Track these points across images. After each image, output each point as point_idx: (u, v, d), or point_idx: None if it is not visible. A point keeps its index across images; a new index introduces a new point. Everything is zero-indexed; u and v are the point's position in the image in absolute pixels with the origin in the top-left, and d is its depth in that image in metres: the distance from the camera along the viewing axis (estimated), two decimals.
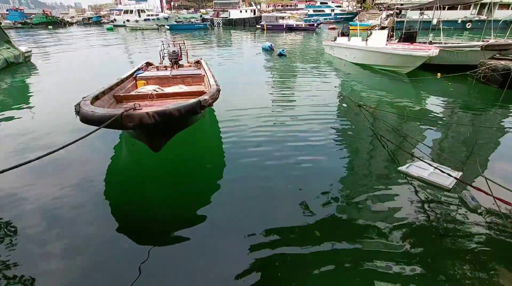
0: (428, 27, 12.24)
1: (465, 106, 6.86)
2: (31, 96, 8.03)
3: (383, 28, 13.30)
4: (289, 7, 70.91)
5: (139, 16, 47.02)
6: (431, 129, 5.36)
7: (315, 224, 2.92)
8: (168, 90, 5.35)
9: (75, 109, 3.29)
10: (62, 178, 3.73)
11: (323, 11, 54.19)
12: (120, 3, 55.96)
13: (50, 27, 45.62)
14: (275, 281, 2.35)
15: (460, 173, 3.61)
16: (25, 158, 1.98)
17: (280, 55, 14.50)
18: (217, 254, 2.62)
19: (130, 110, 2.87)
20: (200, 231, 2.86)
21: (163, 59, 8.48)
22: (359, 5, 60.89)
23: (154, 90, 5.03)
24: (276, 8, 68.91)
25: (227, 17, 46.42)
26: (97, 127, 2.74)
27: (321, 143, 4.74)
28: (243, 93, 7.95)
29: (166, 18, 46.44)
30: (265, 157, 4.24)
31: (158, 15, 49.03)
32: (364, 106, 6.35)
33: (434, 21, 11.50)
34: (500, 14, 25.47)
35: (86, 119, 2.99)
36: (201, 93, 4.55)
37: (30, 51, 13.76)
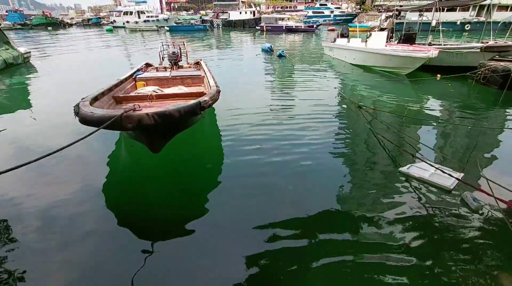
0: (427, 29, 12.26)
1: (465, 107, 6.86)
2: (30, 97, 8.00)
3: (382, 29, 13.33)
4: (288, 9, 71.12)
5: (139, 17, 47.03)
6: (432, 130, 5.35)
7: (316, 225, 2.91)
8: (168, 91, 5.33)
9: (74, 110, 3.27)
10: (61, 179, 3.71)
11: (323, 12, 54.34)
12: (120, 5, 55.95)
13: (49, 28, 45.60)
14: (276, 280, 2.33)
15: (461, 174, 3.60)
16: (25, 159, 1.97)
17: (280, 56, 14.51)
18: (217, 253, 2.61)
19: (130, 111, 2.86)
20: (200, 230, 2.84)
21: (163, 60, 8.47)
22: (358, 6, 61.08)
23: (153, 91, 5.02)
24: (276, 9, 69.08)
25: (226, 19, 46.48)
26: (97, 128, 2.72)
27: (321, 144, 4.72)
28: (242, 94, 7.94)
29: (166, 20, 46.46)
30: (265, 157, 4.23)
31: (157, 16, 49.04)
32: (364, 107, 6.35)
33: (433, 23, 11.53)
34: (498, 16, 25.56)
35: (85, 120, 2.97)
36: (201, 94, 4.54)
37: (29, 52, 13.75)
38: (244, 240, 2.72)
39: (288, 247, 2.63)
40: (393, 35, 12.64)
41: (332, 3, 59.36)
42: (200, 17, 51.86)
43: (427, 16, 14.11)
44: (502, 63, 8.06)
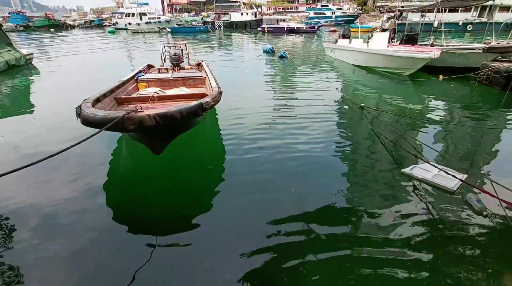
0: (429, 29, 12.24)
1: (468, 108, 6.82)
2: (32, 98, 8.03)
3: (384, 30, 13.30)
4: (290, 10, 71.21)
5: (141, 19, 47.22)
6: (434, 130, 5.32)
7: (318, 226, 2.89)
8: (170, 92, 5.34)
9: (76, 111, 3.27)
10: (63, 180, 3.71)
11: (324, 13, 54.37)
12: (122, 7, 56.23)
13: (52, 30, 45.85)
14: (278, 280, 2.32)
15: (465, 175, 3.57)
16: (27, 161, 1.97)
17: (281, 57, 14.51)
18: (218, 253, 2.60)
19: (132, 113, 2.85)
20: (202, 231, 2.84)
21: (165, 61, 8.49)
22: (360, 7, 61.08)
23: (155, 92, 5.03)
24: (277, 10, 69.24)
25: (228, 20, 46.59)
26: (99, 130, 2.72)
27: (324, 145, 4.70)
28: (244, 95, 7.94)
29: (168, 21, 46.61)
30: (267, 158, 4.22)
31: (159, 18, 49.20)
32: (366, 108, 6.32)
33: (435, 23, 11.50)
34: (500, 17, 25.52)
35: (87, 121, 2.97)
36: (203, 95, 4.54)
37: (32, 53, 13.82)
38: (246, 240, 2.71)
39: (290, 248, 2.62)
40: (395, 35, 12.61)
41: (333, 4, 59.39)
42: (202, 19, 51.99)
43: (429, 17, 14.09)
44: (504, 64, 8.01)
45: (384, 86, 8.99)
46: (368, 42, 11.64)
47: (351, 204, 3.26)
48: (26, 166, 1.92)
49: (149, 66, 7.97)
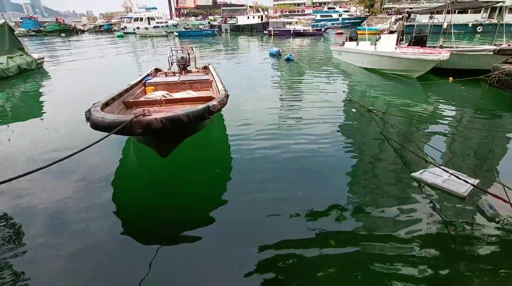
0: (438, 31, 12.09)
1: (479, 111, 6.69)
2: (43, 102, 8.19)
3: (392, 32, 13.17)
4: (296, 13, 71.30)
5: (149, 23, 47.96)
6: (444, 134, 5.23)
7: (325, 230, 2.85)
8: (177, 95, 5.37)
9: (85, 115, 3.31)
10: (71, 183, 3.76)
11: (331, 16, 54.30)
12: (131, 11, 57.21)
13: (62, 34, 46.90)
14: (286, 282, 2.29)
15: (477, 180, 3.48)
16: (37, 164, 2.00)
17: (288, 60, 14.51)
18: (224, 257, 2.59)
19: (140, 116, 2.88)
20: (208, 235, 2.83)
21: (172, 65, 8.57)
22: (367, 9, 60.82)
23: (162, 95, 5.06)
24: (284, 14, 69.43)
25: (234, 23, 46.96)
26: (107, 134, 2.75)
27: (331, 148, 4.66)
28: (251, 98, 7.95)
29: (175, 25, 47.24)
30: (273, 161, 4.20)
31: (167, 22, 49.91)
32: (374, 111, 6.26)
33: (445, 25, 11.35)
34: (510, 18, 25.04)
35: (96, 125, 3.00)
36: (210, 98, 4.55)
37: (43, 58, 14.11)
38: (252, 246, 2.68)
39: (297, 253, 2.59)
40: (403, 37, 12.49)
41: (340, 7, 59.28)
42: (209, 22, 52.58)
43: (438, 18, 13.91)
44: None
45: (392, 89, 8.89)
46: (375, 44, 11.56)
47: (359, 207, 3.21)
48: (36, 170, 1.96)
49: (157, 70, 8.05)
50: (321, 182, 3.76)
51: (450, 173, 3.53)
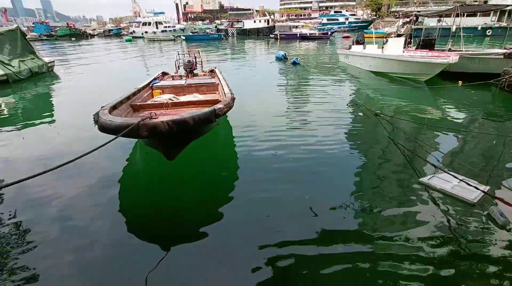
0: (447, 34, 11.94)
1: (489, 116, 6.56)
2: (53, 105, 8.35)
3: (399, 35, 13.09)
4: (302, 17, 71.51)
5: (157, 27, 48.66)
6: (454, 139, 5.14)
7: (332, 234, 2.82)
8: (183, 99, 5.41)
9: (93, 118, 3.36)
10: (80, 184, 3.81)
11: (337, 19, 54.30)
12: (140, 16, 58.18)
13: (73, 39, 47.88)
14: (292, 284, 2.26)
15: (487, 187, 3.40)
16: (47, 166, 2.04)
17: (294, 63, 14.51)
18: (230, 259, 2.58)
19: (146, 119, 2.90)
20: (214, 236, 2.83)
21: (179, 68, 8.66)
22: (374, 13, 60.61)
23: (169, 99, 5.11)
24: (290, 17, 69.68)
25: (241, 27, 47.28)
26: (115, 136, 2.78)
27: (338, 151, 4.62)
28: (257, 101, 7.96)
29: (182, 29, 47.81)
30: (280, 164, 4.18)
31: (174, 26, 50.55)
32: (382, 115, 6.19)
33: (453, 28, 11.21)
34: None
35: (104, 128, 3.04)
36: (216, 101, 4.57)
37: (53, 61, 14.42)
38: (258, 249, 2.67)
39: (303, 255, 2.57)
40: (411, 41, 12.39)
41: (347, 10, 59.25)
42: (215, 27, 53.05)
43: (446, 22, 13.77)
44: None
45: (400, 93, 8.80)
46: (382, 47, 11.48)
47: (366, 212, 3.17)
48: (46, 172, 2.00)
49: (164, 74, 8.14)
50: (328, 186, 3.72)
51: (459, 179, 3.46)
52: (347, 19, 53.98)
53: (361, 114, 6.63)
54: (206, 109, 3.32)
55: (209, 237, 2.83)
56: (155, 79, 7.03)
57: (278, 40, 35.73)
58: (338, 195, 3.51)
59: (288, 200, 3.41)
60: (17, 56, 12.00)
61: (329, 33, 36.71)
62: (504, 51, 8.75)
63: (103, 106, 3.79)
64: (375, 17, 55.69)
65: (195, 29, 50.60)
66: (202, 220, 3.12)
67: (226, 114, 4.18)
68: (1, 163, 4.53)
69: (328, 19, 55.04)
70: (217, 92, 6.43)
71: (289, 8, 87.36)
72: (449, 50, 10.86)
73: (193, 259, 2.60)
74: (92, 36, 56.47)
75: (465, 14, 12.02)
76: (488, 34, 31.07)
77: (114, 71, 14.97)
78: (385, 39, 11.78)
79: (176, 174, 4.07)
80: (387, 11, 56.60)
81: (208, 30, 48.06)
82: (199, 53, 9.06)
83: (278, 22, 51.12)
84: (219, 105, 3.62)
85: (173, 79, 7.75)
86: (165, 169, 4.11)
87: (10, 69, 11.08)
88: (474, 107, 7.13)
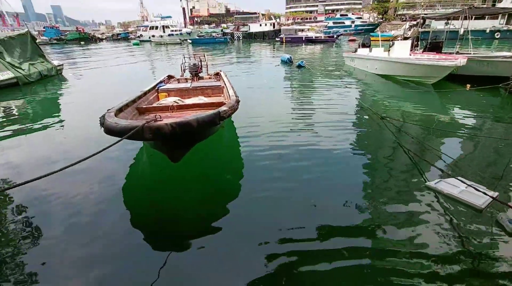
0: (455, 37, 11.81)
1: (498, 120, 6.44)
2: (61, 107, 8.49)
3: (406, 38, 12.99)
4: (308, 20, 71.57)
5: (164, 31, 49.30)
6: (461, 143, 5.05)
7: (337, 238, 2.78)
8: (189, 101, 5.45)
9: (100, 121, 3.40)
10: (85, 185, 3.84)
11: (343, 23, 54.26)
12: (147, 20, 59.02)
13: (82, 42, 48.77)
14: None
15: (496, 193, 3.32)
16: (55, 167, 2.07)
17: (299, 66, 14.51)
18: (233, 264, 2.57)
19: (151, 122, 2.92)
20: (218, 239, 2.83)
21: (184, 72, 8.74)
22: (380, 16, 60.38)
23: (175, 101, 5.14)
24: (296, 21, 69.82)
25: (247, 31, 47.57)
26: (120, 138, 2.80)
27: (343, 154, 4.59)
28: (262, 104, 7.97)
29: (189, 33, 48.35)
30: (284, 167, 4.16)
31: (181, 30, 51.16)
32: (388, 118, 6.13)
33: (461, 31, 11.09)
34: None
35: (110, 130, 3.07)
36: (221, 104, 4.59)
37: (62, 64, 14.70)
38: (263, 253, 2.65)
39: (307, 261, 2.54)
40: (418, 43, 12.28)
41: (353, 14, 59.15)
42: (221, 30, 53.49)
43: (454, 24, 13.63)
44: None
45: (407, 96, 8.72)
46: (389, 50, 11.41)
47: (372, 216, 3.12)
48: (53, 173, 2.03)
49: (170, 77, 8.22)
50: (333, 189, 3.69)
51: (467, 184, 3.40)
52: (353, 22, 53.89)
53: (366, 117, 6.58)
54: (211, 112, 3.33)
55: (212, 238, 2.83)
56: (161, 82, 7.10)
57: (284, 43, 35.80)
58: (343, 198, 3.47)
59: (292, 203, 3.39)
60: (27, 59, 12.27)
61: (335, 36, 36.66)
62: None
63: (109, 109, 3.84)
64: (381, 20, 55.46)
65: (201, 32, 51.11)
66: (206, 221, 3.12)
67: (231, 117, 4.19)
68: (10, 164, 4.60)
69: (334, 22, 55.03)
70: (222, 95, 6.45)
71: (295, 11, 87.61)
72: (457, 53, 10.74)
73: (196, 259, 2.61)
74: (101, 40, 57.42)
75: (473, 17, 11.88)
76: (496, 37, 30.70)
77: (121, 74, 15.17)
78: (391, 42, 11.71)
79: (180, 176, 4.08)
80: (394, 14, 56.33)
81: (214, 34, 48.47)
82: (204, 56, 9.13)
83: (284, 25, 51.26)
84: (224, 108, 3.63)
85: (178, 82, 7.82)
86: (169, 171, 4.13)
87: (20, 72, 11.33)
88: (483, 111, 7.01)
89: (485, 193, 3.16)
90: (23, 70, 11.54)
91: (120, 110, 4.10)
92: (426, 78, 9.53)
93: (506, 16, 31.23)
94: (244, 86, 10.18)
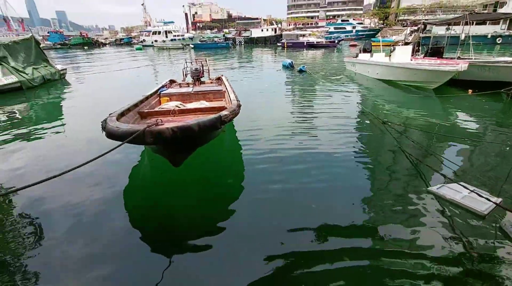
0: (456, 43, 11.84)
1: (502, 125, 6.40)
2: (63, 111, 8.54)
3: (407, 43, 13.03)
4: (310, 25, 72.07)
5: (166, 36, 49.75)
6: (464, 148, 5.02)
7: (339, 243, 2.76)
8: (190, 106, 5.46)
9: (101, 125, 3.41)
10: (87, 189, 3.84)
11: (344, 28, 54.52)
12: (150, 25, 59.63)
13: (85, 47, 49.30)
14: None
15: (499, 199, 3.29)
16: (56, 171, 2.08)
17: (301, 71, 14.57)
18: (234, 268, 2.56)
19: (152, 126, 2.93)
20: (218, 243, 2.82)
21: (186, 76, 8.78)
22: (381, 21, 60.71)
23: (176, 106, 5.16)
24: (297, 26, 70.31)
25: (248, 36, 47.90)
26: (121, 143, 2.81)
27: (345, 159, 4.57)
28: (263, 108, 7.98)
29: (191, 38, 48.77)
30: (286, 172, 4.15)
31: (183, 35, 51.64)
32: (389, 123, 6.12)
33: (462, 36, 11.11)
34: None
35: (111, 134, 3.08)
36: (222, 108, 4.60)
37: (65, 69, 14.82)
38: (263, 252, 2.65)
39: (308, 265, 2.53)
40: (419, 49, 12.32)
41: (354, 19, 59.49)
42: (223, 35, 53.88)
43: (455, 30, 13.68)
44: None
45: (408, 101, 8.71)
46: (390, 55, 11.44)
47: (373, 221, 3.10)
48: (55, 177, 2.04)
49: (172, 81, 8.26)
50: (334, 193, 3.67)
51: (470, 190, 3.37)
52: (354, 27, 54.15)
53: (368, 121, 6.57)
54: (212, 116, 3.34)
55: (213, 240, 2.84)
56: (163, 86, 7.13)
57: (285, 48, 35.98)
58: (345, 202, 3.45)
59: (293, 206, 3.38)
60: (30, 63, 12.39)
61: (336, 41, 36.82)
62: None
63: (111, 113, 3.85)
64: (382, 26, 55.76)
65: (203, 37, 51.52)
66: (207, 225, 3.12)
67: (233, 121, 4.20)
68: (12, 168, 4.62)
69: (335, 28, 55.31)
70: (223, 99, 6.47)
71: (296, 17, 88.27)
72: (458, 58, 10.75)
73: (197, 261, 2.61)
74: (104, 44, 58.00)
75: (474, 22, 11.91)
76: (498, 42, 30.74)
77: (124, 78, 15.28)
78: (392, 47, 11.75)
79: (181, 179, 4.08)
80: (395, 20, 56.63)
81: (216, 39, 48.84)
82: (206, 61, 9.19)
83: (285, 30, 51.63)
84: (225, 112, 3.64)
85: (180, 86, 7.85)
86: (170, 174, 4.12)
87: (23, 76, 11.43)
88: (485, 116, 6.98)
89: (488, 199, 3.13)
90: (26, 74, 11.64)
91: (122, 114, 4.11)
92: (427, 83, 9.53)
93: (508, 22, 31.30)
94: (246, 90, 10.22)
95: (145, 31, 56.41)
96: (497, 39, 31.02)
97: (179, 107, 5.12)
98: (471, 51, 10.70)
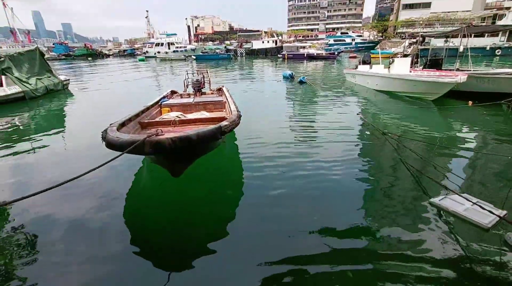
0: (454, 54, 11.96)
1: (503, 137, 6.38)
2: (65, 121, 8.59)
3: (406, 55, 13.19)
4: (310, 38, 73.24)
5: (169, 48, 50.52)
6: (465, 160, 4.99)
7: (339, 255, 2.70)
8: (191, 116, 5.49)
9: (102, 135, 3.42)
10: (86, 199, 3.82)
11: (344, 40, 55.34)
12: (153, 37, 60.75)
13: (89, 58, 50.06)
14: None
15: (504, 212, 3.24)
16: (55, 182, 2.09)
17: (301, 82, 14.69)
18: (236, 278, 2.51)
19: (152, 136, 2.93)
20: (219, 254, 2.78)
21: (187, 87, 8.87)
22: (380, 34, 61.70)
23: (177, 116, 5.19)
24: (298, 38, 71.46)
25: (250, 48, 48.61)
26: (121, 153, 2.81)
27: (345, 170, 4.54)
28: (263, 119, 8.00)
29: (193, 50, 49.47)
30: (286, 183, 4.12)
31: (185, 47, 52.43)
32: (389, 134, 6.12)
33: (461, 48, 11.25)
34: None
35: (111, 144, 3.08)
36: (222, 119, 4.62)
37: (68, 79, 15.02)
38: (264, 270, 2.58)
39: (309, 273, 2.50)
40: (418, 60, 12.45)
41: (353, 32, 60.50)
42: (225, 47, 54.70)
43: (453, 42, 13.86)
44: None
45: (408, 112, 8.73)
46: (389, 67, 11.56)
47: (374, 233, 3.04)
48: (52, 188, 2.05)
49: (173, 92, 8.34)
50: (335, 205, 3.63)
51: (473, 202, 3.32)
52: (353, 40, 54.96)
53: (368, 132, 6.57)
54: (212, 126, 3.34)
55: (214, 255, 2.78)
56: (164, 97, 7.20)
57: (286, 60, 36.42)
58: (345, 214, 3.41)
59: (295, 219, 3.33)
60: (34, 74, 12.56)
61: (336, 53, 37.26)
62: None
63: (111, 123, 3.87)
64: (381, 38, 56.61)
65: (205, 49, 52.26)
66: (207, 236, 3.08)
67: (234, 131, 4.20)
68: (11, 178, 4.61)
69: (335, 40, 56.16)
70: (224, 110, 6.51)
71: (297, 29, 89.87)
72: (457, 69, 10.84)
73: (198, 269, 2.58)
74: (108, 56, 58.91)
75: (472, 34, 12.08)
76: (497, 54, 31.04)
77: (126, 89, 15.43)
78: (391, 59, 11.88)
79: (181, 191, 4.05)
80: (393, 32, 57.54)
81: (218, 50, 49.54)
82: (207, 72, 9.30)
83: (286, 42, 52.42)
84: (225, 122, 3.65)
85: (181, 97, 7.92)
86: (171, 185, 4.10)
87: (27, 87, 11.57)
88: (486, 128, 6.97)
89: (491, 212, 3.08)
90: (30, 84, 11.78)
91: (122, 125, 4.13)
92: (426, 94, 9.58)
93: (507, 34, 31.69)
94: (247, 101, 10.28)
95: (148, 42, 57.41)
96: (496, 50, 31.34)
97: (179, 117, 5.15)
98: (469, 63, 10.79)
